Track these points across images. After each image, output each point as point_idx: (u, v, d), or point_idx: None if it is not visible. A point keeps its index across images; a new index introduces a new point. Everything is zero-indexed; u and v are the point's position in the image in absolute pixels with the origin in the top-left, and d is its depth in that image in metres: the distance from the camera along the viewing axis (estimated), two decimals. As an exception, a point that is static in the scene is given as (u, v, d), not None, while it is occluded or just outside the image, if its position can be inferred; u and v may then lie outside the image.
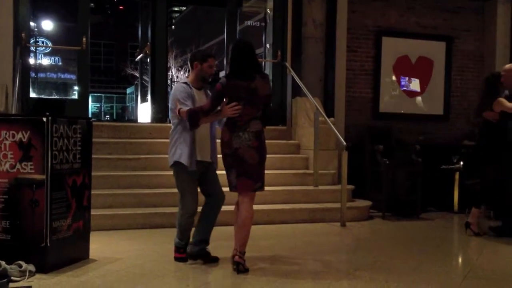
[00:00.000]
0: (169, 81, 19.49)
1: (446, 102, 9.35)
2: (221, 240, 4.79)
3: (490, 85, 5.89)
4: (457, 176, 7.76)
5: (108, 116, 37.77)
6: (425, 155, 7.58)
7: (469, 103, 9.56)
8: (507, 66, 6.03)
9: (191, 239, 4.51)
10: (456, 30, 9.41)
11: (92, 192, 4.64)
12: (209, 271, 4.30)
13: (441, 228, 6.69)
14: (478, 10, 9.49)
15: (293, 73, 7.86)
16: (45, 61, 31.54)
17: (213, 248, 4.53)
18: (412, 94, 9.18)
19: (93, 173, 4.67)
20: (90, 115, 9.95)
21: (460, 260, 5.34)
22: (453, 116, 9.41)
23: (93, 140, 4.70)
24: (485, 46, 9.50)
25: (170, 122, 4.65)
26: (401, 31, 9.04)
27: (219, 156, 4.45)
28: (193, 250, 4.44)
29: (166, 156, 6.90)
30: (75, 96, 9.91)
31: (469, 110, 9.59)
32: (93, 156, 4.71)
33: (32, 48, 16.10)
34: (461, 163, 7.81)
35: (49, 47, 28.80)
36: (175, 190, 6.59)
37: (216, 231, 4.59)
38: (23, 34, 7.20)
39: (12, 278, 3.78)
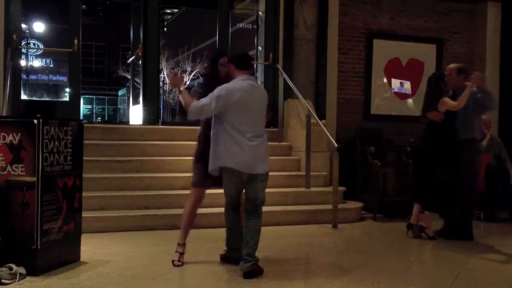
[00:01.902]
0: (161, 83, 19.48)
1: (437, 104, 9.39)
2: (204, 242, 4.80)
3: (433, 85, 5.86)
4: (447, 177, 7.79)
5: (99, 118, 37.59)
6: (416, 157, 7.61)
7: (459, 105, 9.63)
8: (451, 65, 6.02)
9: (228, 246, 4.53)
10: (447, 32, 9.47)
11: (83, 194, 4.63)
12: (199, 273, 4.30)
13: (432, 229, 6.72)
14: (468, 13, 9.56)
15: (285, 75, 7.88)
16: (37, 63, 31.39)
17: (206, 250, 4.54)
18: (403, 96, 9.23)
19: (84, 175, 4.65)
20: (81, 117, 9.94)
21: (450, 261, 5.37)
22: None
23: (85, 142, 4.69)
24: (475, 48, 9.57)
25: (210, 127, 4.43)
26: (392, 34, 9.09)
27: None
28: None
29: (158, 158, 6.95)
30: (67, 98, 9.88)
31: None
32: (84, 158, 4.69)
33: (24, 50, 16.06)
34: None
35: (41, 49, 28.71)
36: (167, 192, 6.59)
37: (203, 233, 4.60)
38: (14, 36, 7.16)
39: (3, 280, 3.77)
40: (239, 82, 4.33)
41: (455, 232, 5.88)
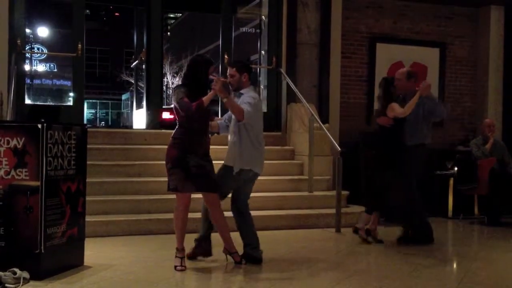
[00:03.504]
0: (164, 88, 19.52)
1: (440, 108, 9.38)
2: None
3: (383, 90, 5.78)
4: (451, 181, 7.79)
5: (103, 123, 37.65)
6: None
7: (463, 109, 9.63)
8: (401, 70, 6.02)
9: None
10: (450, 36, 9.47)
11: (87, 199, 4.64)
12: (203, 277, 4.31)
13: (435, 233, 6.69)
14: (471, 17, 9.56)
15: (288, 79, 7.88)
16: (41, 68, 31.46)
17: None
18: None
19: (88, 180, 4.66)
20: (85, 122, 9.99)
21: (454, 265, 5.36)
22: (447, 122, 9.44)
23: (88, 146, 4.70)
24: (478, 52, 9.57)
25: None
26: (395, 38, 9.09)
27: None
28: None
29: (161, 162, 6.93)
30: (70, 103, 9.92)
31: (464, 116, 9.66)
32: (88, 162, 4.71)
33: (28, 55, 16.08)
34: (455, 168, 7.84)
35: (45, 53, 28.73)
36: (170, 196, 6.61)
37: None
38: (18, 41, 7.19)
39: (6, 285, 3.78)
40: (255, 93, 4.70)
41: (415, 238, 5.80)
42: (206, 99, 4.33)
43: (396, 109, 5.56)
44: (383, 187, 5.75)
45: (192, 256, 4.66)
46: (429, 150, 5.93)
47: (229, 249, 4.62)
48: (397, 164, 5.63)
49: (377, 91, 8.82)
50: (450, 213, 7.76)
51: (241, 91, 4.65)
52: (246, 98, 4.54)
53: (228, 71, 4.73)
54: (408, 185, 5.73)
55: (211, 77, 4.33)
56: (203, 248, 4.67)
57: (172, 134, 4.53)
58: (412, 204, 5.81)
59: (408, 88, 5.74)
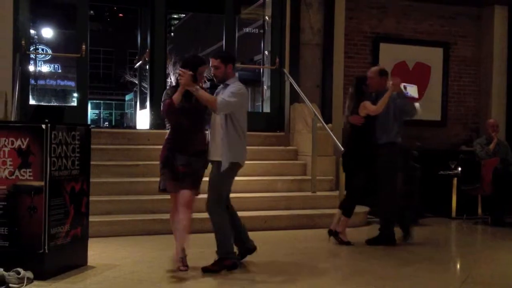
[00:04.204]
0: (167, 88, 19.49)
1: (444, 107, 9.38)
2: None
3: (355, 89, 5.74)
4: (455, 181, 7.77)
5: (107, 123, 37.72)
6: (423, 161, 7.59)
7: (466, 108, 9.62)
8: (373, 68, 5.99)
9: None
10: (453, 36, 9.46)
11: (91, 199, 4.66)
12: (205, 277, 4.31)
13: (438, 234, 6.71)
14: (475, 16, 9.55)
15: (291, 79, 7.89)
16: (45, 68, 31.52)
17: (210, 254, 4.55)
18: (409, 100, 9.18)
19: (91, 180, 4.69)
20: (89, 122, 10.01)
21: (457, 266, 5.36)
22: (450, 122, 9.45)
23: (92, 146, 4.72)
24: (482, 51, 9.55)
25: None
26: (398, 38, 9.08)
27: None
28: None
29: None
30: (74, 103, 9.95)
31: (467, 116, 9.65)
32: (92, 162, 4.73)
33: (32, 56, 16.14)
34: (459, 168, 7.83)
35: (49, 54, 28.83)
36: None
37: (208, 237, 4.62)
38: (22, 42, 7.23)
39: (10, 285, 3.80)
40: (240, 84, 4.52)
41: (380, 237, 5.76)
42: (175, 97, 4.22)
43: (368, 107, 5.56)
44: (358, 187, 5.73)
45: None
46: (401, 149, 5.90)
47: (177, 253, 4.43)
48: (369, 163, 5.61)
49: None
50: (453, 213, 7.75)
51: (227, 82, 4.49)
52: (230, 88, 4.40)
53: (211, 63, 4.53)
54: (386, 184, 5.67)
55: (177, 71, 4.27)
56: (246, 248, 4.65)
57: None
58: (394, 202, 5.77)
59: (380, 85, 5.73)
